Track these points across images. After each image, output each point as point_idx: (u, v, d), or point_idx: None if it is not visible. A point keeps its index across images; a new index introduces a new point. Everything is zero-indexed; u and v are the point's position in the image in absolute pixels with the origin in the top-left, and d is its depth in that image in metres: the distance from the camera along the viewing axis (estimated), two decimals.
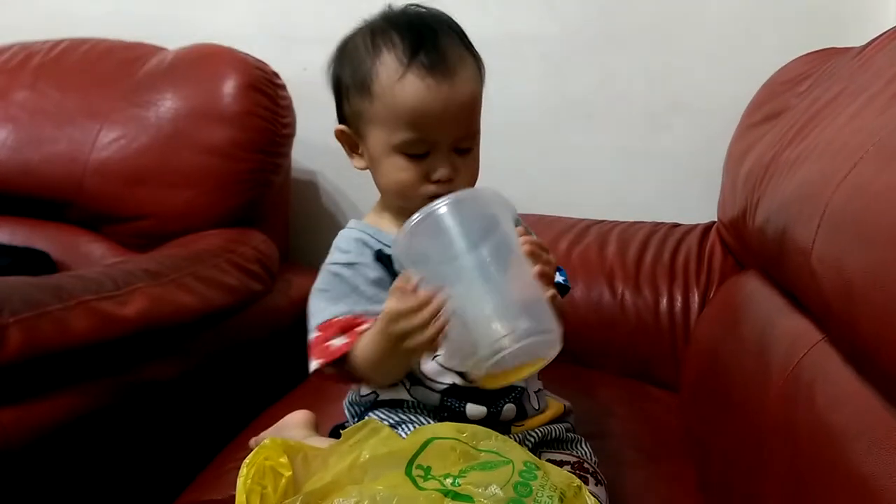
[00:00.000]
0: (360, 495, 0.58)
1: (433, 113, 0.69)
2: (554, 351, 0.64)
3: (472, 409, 0.75)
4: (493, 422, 0.74)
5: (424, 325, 0.62)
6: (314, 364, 0.73)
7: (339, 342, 0.72)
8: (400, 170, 0.72)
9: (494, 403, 0.75)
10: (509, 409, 0.76)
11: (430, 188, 0.72)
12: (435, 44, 0.70)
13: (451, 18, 0.76)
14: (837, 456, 0.54)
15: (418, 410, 0.77)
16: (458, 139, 0.72)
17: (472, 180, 0.75)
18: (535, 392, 0.81)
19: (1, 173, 1.37)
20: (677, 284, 1.18)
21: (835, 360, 0.61)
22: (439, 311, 0.61)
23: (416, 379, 0.77)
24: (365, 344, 0.70)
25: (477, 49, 0.76)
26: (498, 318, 0.60)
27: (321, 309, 0.75)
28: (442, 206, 0.62)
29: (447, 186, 0.71)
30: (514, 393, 0.77)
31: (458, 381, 0.75)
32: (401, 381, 0.77)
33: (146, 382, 0.99)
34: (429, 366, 0.75)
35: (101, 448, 0.93)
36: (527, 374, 0.67)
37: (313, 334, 0.74)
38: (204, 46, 1.40)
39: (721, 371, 0.89)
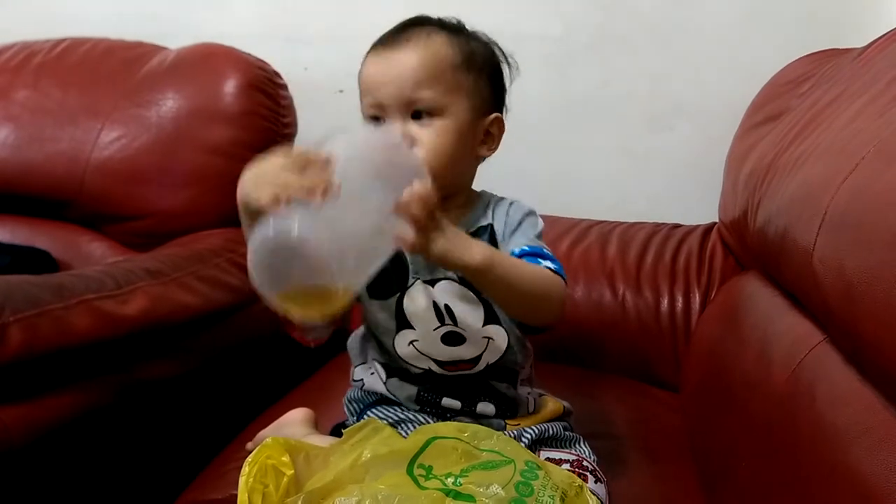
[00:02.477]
0: (361, 494, 0.58)
1: (375, 75, 0.74)
2: (330, 295, 0.59)
3: (448, 402, 0.77)
4: (472, 416, 0.77)
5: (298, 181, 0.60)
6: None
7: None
8: None
9: (470, 399, 0.78)
10: (485, 406, 0.78)
11: None
12: (400, 30, 0.76)
13: (448, 20, 0.78)
14: (838, 456, 0.54)
15: (413, 408, 0.79)
16: (405, 102, 0.72)
17: (434, 153, 0.72)
18: (527, 395, 0.82)
19: (2, 172, 1.37)
20: (678, 285, 1.18)
21: (836, 360, 0.61)
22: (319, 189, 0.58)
23: (392, 370, 0.80)
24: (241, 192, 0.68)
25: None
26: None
27: None
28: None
29: None
30: (489, 392, 0.78)
31: (433, 367, 0.77)
32: (377, 374, 0.80)
33: (147, 381, 0.99)
34: (406, 349, 0.78)
35: (103, 447, 0.93)
36: (309, 315, 0.63)
37: None
38: (205, 46, 1.40)
39: (722, 371, 0.89)
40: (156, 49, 1.44)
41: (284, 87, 1.39)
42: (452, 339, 0.77)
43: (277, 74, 1.38)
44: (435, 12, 0.80)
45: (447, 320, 0.76)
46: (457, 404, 0.77)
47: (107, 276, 0.97)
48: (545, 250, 0.75)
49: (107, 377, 0.93)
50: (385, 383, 0.81)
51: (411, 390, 0.79)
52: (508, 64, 0.81)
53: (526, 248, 0.75)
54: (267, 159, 0.65)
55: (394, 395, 0.80)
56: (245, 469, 0.64)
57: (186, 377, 1.06)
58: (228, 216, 1.32)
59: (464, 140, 0.75)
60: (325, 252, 0.57)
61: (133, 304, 0.96)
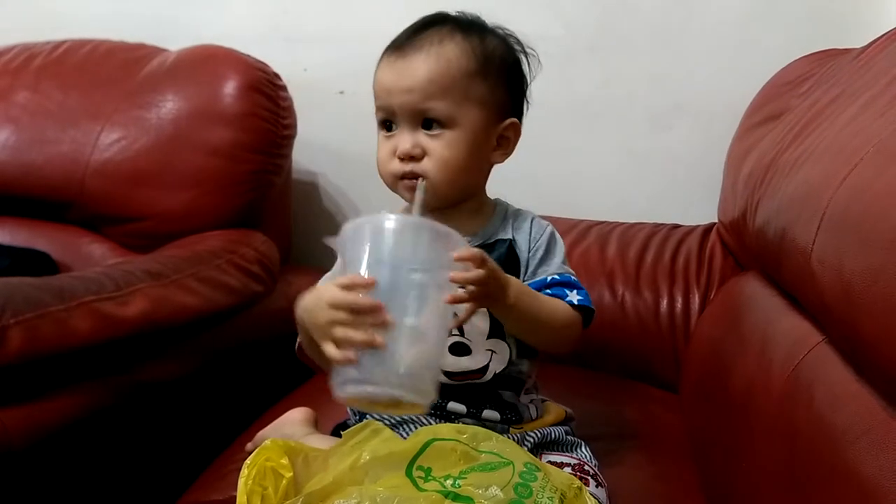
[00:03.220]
0: (360, 496, 0.58)
1: (387, 82, 0.74)
2: (416, 402, 0.60)
3: (454, 406, 0.77)
4: (477, 420, 0.77)
5: (349, 330, 0.60)
6: (299, 339, 0.76)
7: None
8: (379, 147, 0.76)
9: (476, 405, 0.77)
10: (490, 412, 0.78)
11: (396, 164, 0.74)
12: (415, 32, 0.75)
13: (467, 16, 0.78)
14: (838, 456, 0.54)
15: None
16: (416, 112, 0.73)
17: (443, 165, 0.73)
18: (530, 402, 0.82)
19: (2, 174, 1.38)
20: (678, 285, 1.18)
21: (835, 361, 0.61)
22: (370, 327, 0.59)
23: None
24: (299, 326, 0.71)
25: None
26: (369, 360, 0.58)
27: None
28: (393, 219, 0.61)
29: (412, 164, 0.73)
30: (495, 400, 0.78)
31: (442, 378, 0.76)
32: None
33: (147, 383, 0.99)
34: None
35: (103, 448, 0.93)
36: (394, 413, 0.69)
37: None
38: (205, 48, 1.40)
39: (721, 372, 0.89)
40: (156, 51, 1.44)
41: (284, 88, 1.39)
42: (459, 349, 0.77)
43: (277, 76, 1.38)
44: (436, 11, 0.80)
45: (454, 331, 0.76)
46: (462, 409, 0.77)
47: (107, 278, 0.97)
48: (573, 278, 0.78)
49: (107, 379, 0.93)
50: None
51: None
52: (528, 59, 0.80)
53: (557, 276, 0.77)
54: (316, 294, 0.66)
55: None
56: (244, 471, 0.64)
57: (187, 378, 1.06)
58: (228, 218, 1.33)
59: (475, 150, 0.75)
60: (405, 390, 0.58)
61: (133, 305, 0.96)
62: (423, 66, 0.72)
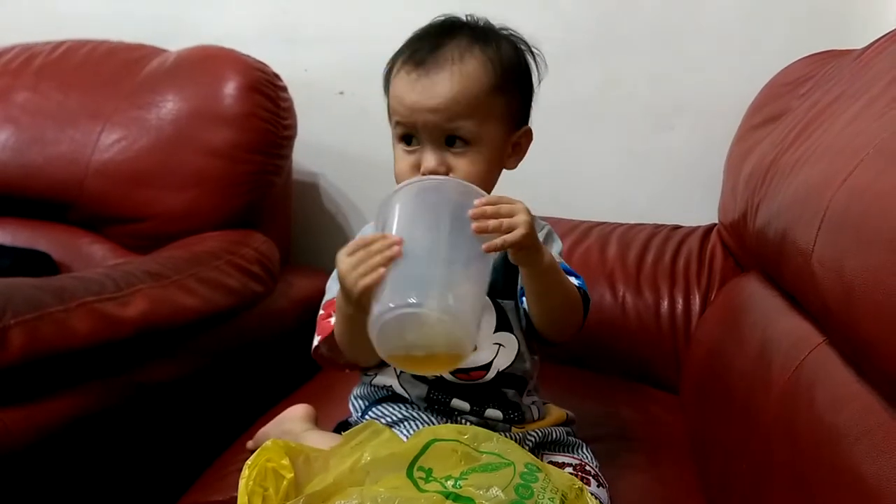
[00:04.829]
0: (361, 497, 0.58)
1: (409, 101, 0.73)
2: (456, 345, 0.61)
3: (457, 402, 0.77)
4: (480, 418, 0.77)
5: (369, 260, 0.62)
6: (315, 341, 0.77)
7: (334, 319, 0.74)
8: (399, 160, 0.76)
9: (479, 403, 0.77)
10: (493, 411, 0.78)
11: None
12: (434, 44, 0.74)
13: (478, 21, 0.78)
14: (838, 457, 0.54)
15: (417, 406, 0.78)
16: (441, 131, 0.73)
17: (469, 180, 0.72)
18: (531, 404, 0.82)
19: (2, 174, 1.37)
20: (678, 286, 1.18)
21: (835, 361, 0.61)
22: (384, 250, 0.62)
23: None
24: (335, 310, 0.73)
25: None
26: (407, 285, 0.60)
27: (330, 288, 0.80)
28: (413, 185, 0.67)
29: None
30: (498, 399, 0.78)
31: (446, 374, 0.77)
32: (392, 368, 0.79)
33: (147, 384, 0.99)
34: None
35: (104, 449, 0.93)
36: (431, 371, 0.68)
37: (320, 312, 0.78)
38: (205, 48, 1.40)
39: (722, 373, 0.89)
40: (156, 51, 1.44)
41: (284, 88, 1.39)
42: None
43: (277, 76, 1.38)
44: (436, 11, 0.80)
45: None
46: (466, 406, 0.77)
47: (107, 279, 0.97)
48: (570, 268, 0.79)
49: (107, 379, 0.93)
50: (398, 377, 0.79)
51: (422, 389, 0.78)
52: (535, 58, 0.80)
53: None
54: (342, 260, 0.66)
55: (405, 391, 0.79)
56: (245, 472, 0.64)
57: (187, 379, 1.06)
58: (228, 218, 1.33)
59: (495, 163, 0.77)
60: (442, 319, 0.59)
61: (133, 306, 0.96)
62: (447, 85, 0.72)
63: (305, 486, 0.63)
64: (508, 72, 0.76)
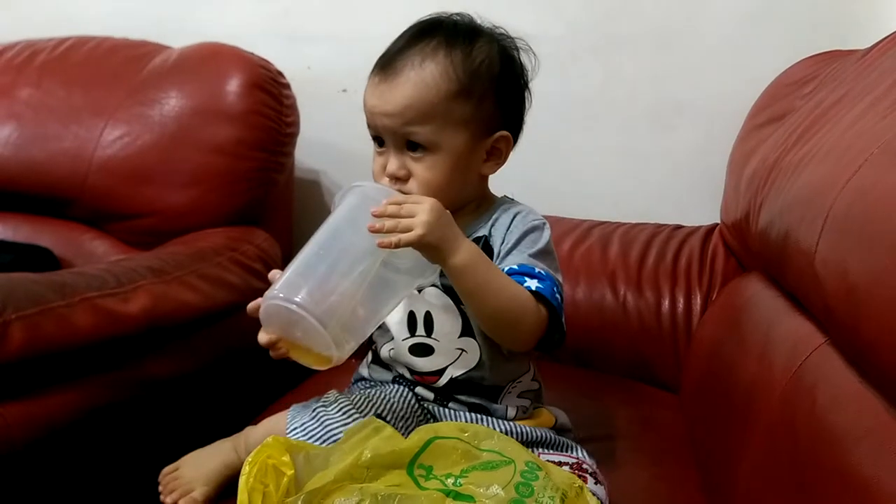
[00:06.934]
0: (361, 494, 0.58)
1: (370, 104, 0.75)
2: (322, 346, 0.66)
3: (422, 391, 0.80)
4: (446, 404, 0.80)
5: None
6: None
7: None
8: (373, 161, 0.78)
9: (441, 399, 0.80)
10: (456, 405, 0.80)
11: (386, 181, 0.76)
12: (400, 49, 0.75)
13: (458, 22, 0.77)
14: (840, 458, 0.54)
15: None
16: (400, 134, 0.74)
17: (426, 187, 0.74)
18: (513, 406, 0.81)
19: (5, 170, 1.38)
20: (679, 286, 1.18)
21: (837, 362, 0.61)
22: None
23: (378, 361, 0.85)
24: None
25: None
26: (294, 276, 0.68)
27: None
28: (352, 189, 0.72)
29: (399, 184, 0.75)
30: (457, 400, 0.80)
31: (406, 373, 0.81)
32: (367, 359, 0.87)
33: (149, 380, 0.99)
34: (386, 354, 0.82)
35: (105, 445, 0.93)
36: (308, 364, 0.71)
37: None
38: (208, 45, 1.40)
39: (723, 373, 0.89)
40: (159, 48, 1.44)
41: (287, 86, 1.39)
42: (420, 350, 0.79)
43: (280, 73, 1.38)
44: (438, 10, 0.79)
45: (419, 331, 0.78)
46: (430, 395, 0.80)
47: (109, 274, 0.97)
48: (536, 269, 0.74)
49: (108, 375, 0.93)
50: (369, 367, 0.86)
51: (388, 377, 0.83)
52: (520, 56, 0.79)
53: (515, 267, 0.74)
54: None
55: (372, 379, 0.85)
56: (245, 468, 0.64)
57: (188, 375, 1.06)
58: (230, 215, 1.33)
59: (459, 170, 0.76)
60: (317, 322, 0.64)
61: (135, 302, 0.96)
62: (400, 91, 0.73)
63: (305, 483, 0.63)
64: (476, 76, 0.74)
